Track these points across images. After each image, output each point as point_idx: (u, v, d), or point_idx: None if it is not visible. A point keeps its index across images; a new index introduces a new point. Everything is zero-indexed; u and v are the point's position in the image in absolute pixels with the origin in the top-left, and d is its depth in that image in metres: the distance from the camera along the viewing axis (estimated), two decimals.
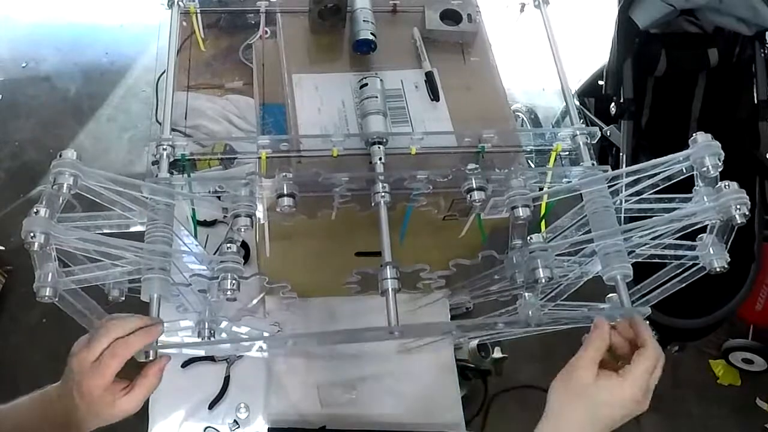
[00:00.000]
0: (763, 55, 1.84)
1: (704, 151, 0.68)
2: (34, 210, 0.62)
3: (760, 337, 2.09)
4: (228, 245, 0.75)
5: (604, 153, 1.98)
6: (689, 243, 0.71)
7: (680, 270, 0.72)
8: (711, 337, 1.98)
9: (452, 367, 1.26)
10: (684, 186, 0.71)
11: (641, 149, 1.89)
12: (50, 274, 0.64)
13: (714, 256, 0.69)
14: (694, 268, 0.71)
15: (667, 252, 0.72)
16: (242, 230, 0.74)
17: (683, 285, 0.73)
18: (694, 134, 0.68)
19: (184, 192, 0.76)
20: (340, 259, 1.02)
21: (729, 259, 0.69)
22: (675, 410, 2.09)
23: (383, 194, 0.77)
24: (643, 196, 0.71)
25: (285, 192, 0.75)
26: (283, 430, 1.15)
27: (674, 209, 0.70)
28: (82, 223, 0.68)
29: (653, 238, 0.70)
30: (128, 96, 2.59)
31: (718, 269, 0.69)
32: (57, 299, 0.65)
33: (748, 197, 0.66)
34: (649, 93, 2.03)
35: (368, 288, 0.80)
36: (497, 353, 1.64)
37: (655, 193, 0.72)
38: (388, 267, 0.72)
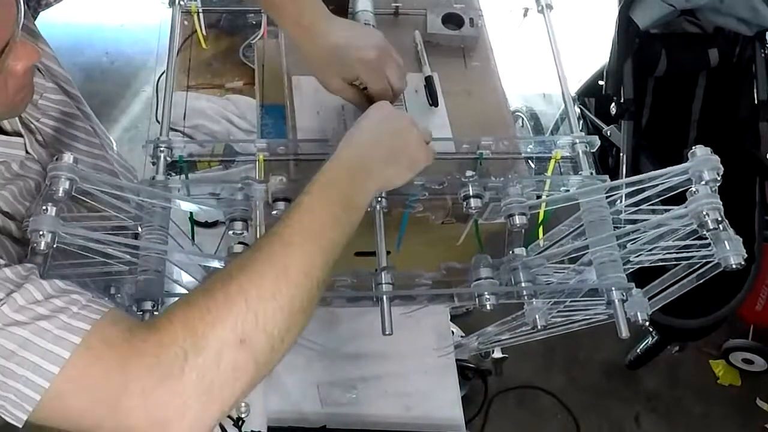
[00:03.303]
0: (763, 55, 1.84)
1: (703, 165, 0.66)
2: (43, 207, 0.63)
3: (760, 337, 2.10)
4: (237, 244, 0.76)
5: (605, 153, 1.97)
6: (698, 243, 0.70)
7: (691, 269, 0.71)
8: (711, 337, 1.98)
9: (452, 367, 1.26)
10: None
11: (641, 149, 1.89)
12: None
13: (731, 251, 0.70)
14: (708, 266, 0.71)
15: (671, 255, 0.71)
16: (237, 233, 0.74)
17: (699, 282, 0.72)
18: (693, 147, 0.67)
19: (180, 195, 0.76)
20: (340, 259, 1.02)
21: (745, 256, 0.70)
22: (675, 410, 2.10)
23: (379, 199, 0.76)
24: (642, 207, 0.71)
25: (280, 196, 0.75)
26: (283, 429, 1.15)
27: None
28: (78, 223, 0.68)
29: (645, 243, 0.69)
30: (128, 96, 2.59)
31: (735, 266, 0.69)
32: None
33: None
34: (649, 93, 2.02)
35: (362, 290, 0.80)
36: (497, 353, 1.64)
37: (657, 203, 0.71)
38: (383, 273, 0.72)
